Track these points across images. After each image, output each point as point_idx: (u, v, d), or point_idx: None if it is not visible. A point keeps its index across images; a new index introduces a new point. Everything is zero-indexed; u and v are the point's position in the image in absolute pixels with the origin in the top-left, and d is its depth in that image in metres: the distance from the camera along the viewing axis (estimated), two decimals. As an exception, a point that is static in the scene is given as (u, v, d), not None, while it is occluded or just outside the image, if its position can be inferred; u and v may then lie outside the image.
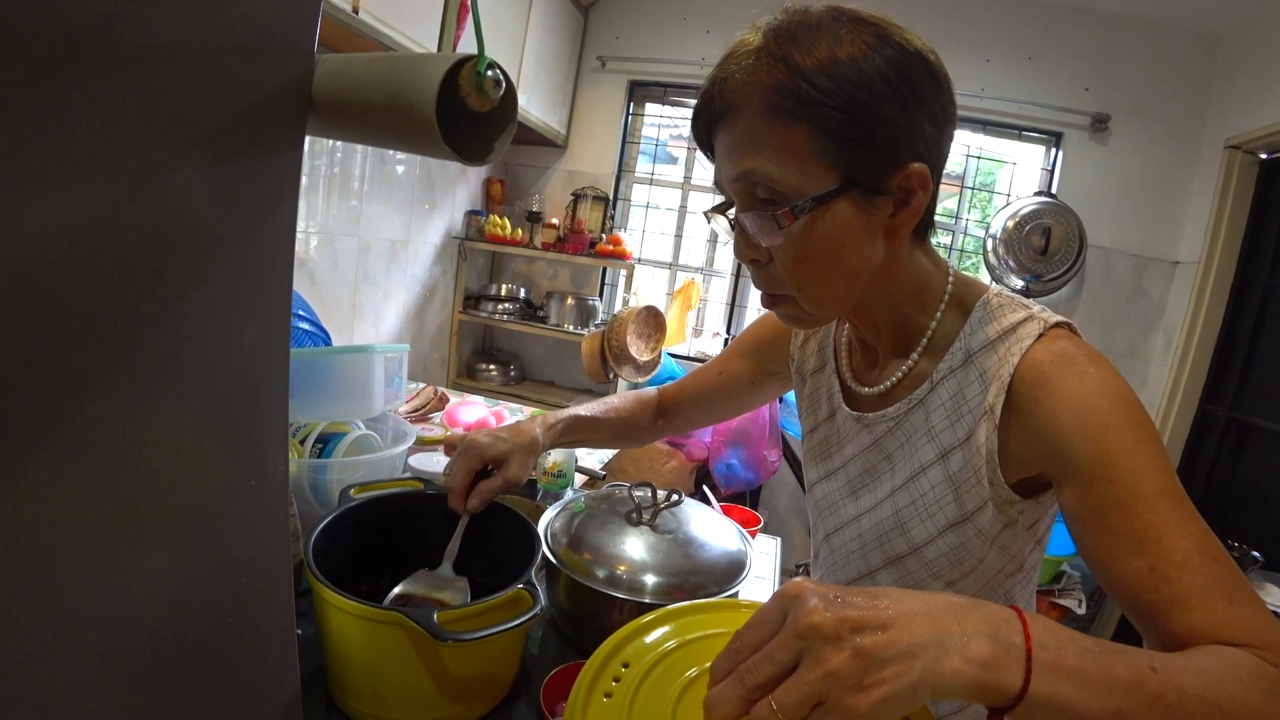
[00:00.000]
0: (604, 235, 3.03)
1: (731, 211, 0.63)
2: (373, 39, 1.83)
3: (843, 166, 0.56)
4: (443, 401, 1.96)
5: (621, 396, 1.02)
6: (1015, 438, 0.60)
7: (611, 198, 3.22)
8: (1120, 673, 0.41)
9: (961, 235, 3.21)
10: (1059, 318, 0.63)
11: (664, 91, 3.19)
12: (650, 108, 3.29)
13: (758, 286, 0.66)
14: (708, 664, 0.44)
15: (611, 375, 2.74)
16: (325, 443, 0.85)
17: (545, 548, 0.78)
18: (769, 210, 0.57)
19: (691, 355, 3.29)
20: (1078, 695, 0.40)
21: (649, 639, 0.51)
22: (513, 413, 1.93)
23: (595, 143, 3.23)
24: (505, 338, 3.48)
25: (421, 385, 2.10)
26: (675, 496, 0.87)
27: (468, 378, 3.22)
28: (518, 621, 0.59)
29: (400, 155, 2.56)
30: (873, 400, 0.73)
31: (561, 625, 0.85)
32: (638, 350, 2.69)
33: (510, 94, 0.46)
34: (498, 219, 2.99)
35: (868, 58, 0.54)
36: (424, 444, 1.21)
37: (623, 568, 0.77)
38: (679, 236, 3.34)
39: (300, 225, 2.13)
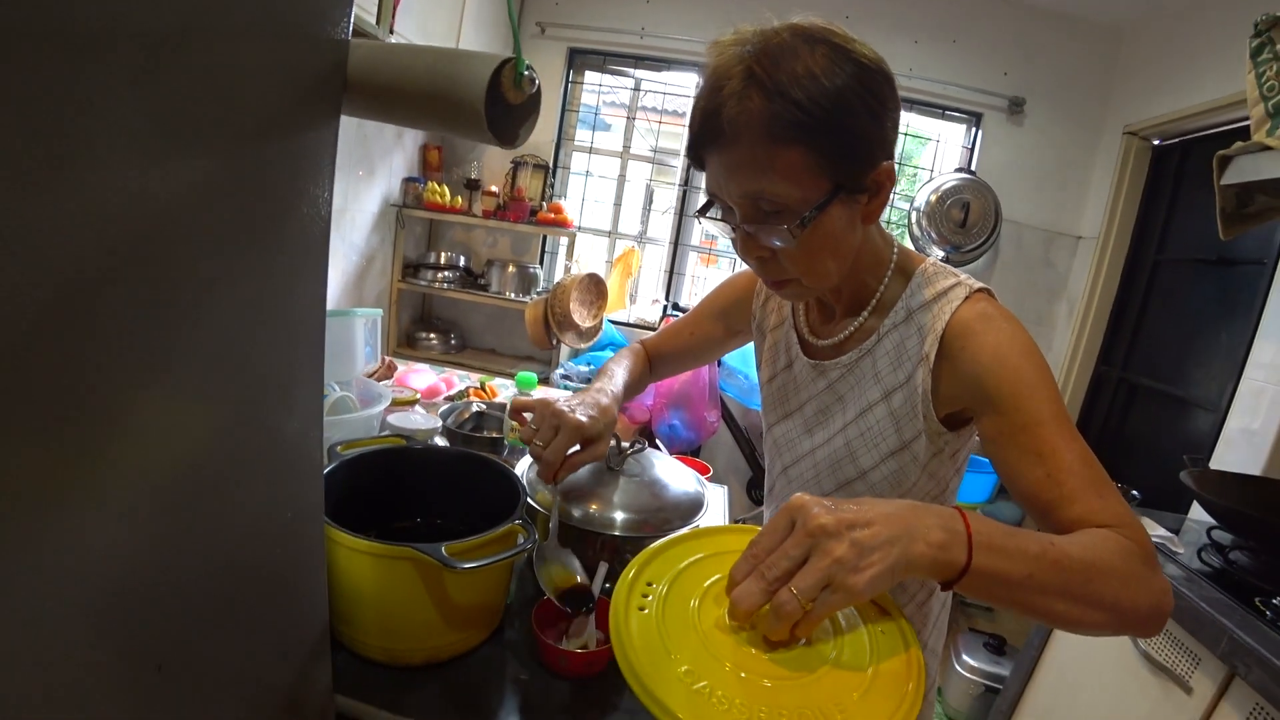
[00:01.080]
0: (544, 203, 3.05)
1: (714, 210, 0.74)
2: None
3: (832, 175, 0.66)
4: (391, 369, 1.98)
5: (629, 354, 1.11)
6: (945, 379, 0.74)
7: (551, 166, 3.23)
8: (1030, 546, 0.56)
9: (889, 207, 3.37)
10: (980, 284, 0.77)
11: (603, 60, 3.21)
12: (590, 76, 3.31)
13: (763, 276, 0.77)
14: (718, 575, 0.57)
15: (555, 342, 2.79)
16: None
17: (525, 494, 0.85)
18: (775, 221, 0.68)
19: (631, 322, 3.37)
20: (1003, 564, 0.55)
21: (665, 560, 0.61)
22: (461, 379, 1.96)
23: (536, 110, 3.22)
24: (445, 306, 3.47)
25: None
26: (639, 445, 0.95)
27: (408, 346, 3.21)
28: (517, 549, 0.66)
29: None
30: (828, 350, 0.86)
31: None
32: (581, 317, 2.75)
33: (538, 89, 0.53)
34: (436, 186, 2.97)
35: (846, 83, 0.63)
36: (398, 404, 1.25)
37: (595, 506, 0.85)
38: (617, 205, 3.39)
39: None
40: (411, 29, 2.28)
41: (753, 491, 3.18)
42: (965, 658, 2.28)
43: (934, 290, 0.77)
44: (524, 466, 0.93)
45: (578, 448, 0.84)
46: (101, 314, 0.34)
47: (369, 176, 2.81)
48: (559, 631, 0.77)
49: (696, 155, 0.71)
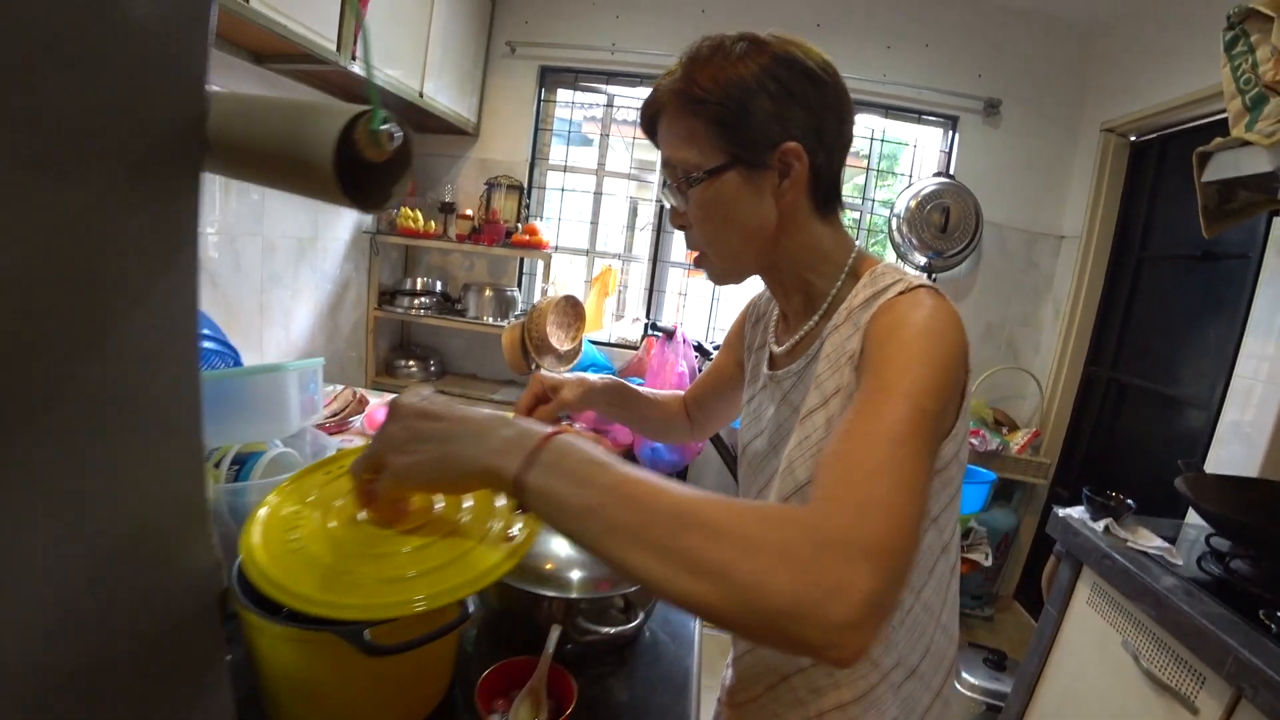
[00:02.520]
0: (520, 225, 3.01)
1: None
2: (265, 28, 1.75)
3: (727, 146, 0.71)
4: (362, 404, 1.92)
5: (666, 392, 1.13)
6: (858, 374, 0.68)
7: (526, 186, 3.19)
8: (608, 477, 0.49)
9: (869, 215, 3.34)
10: (926, 282, 0.71)
11: (575, 77, 3.17)
12: (562, 94, 3.27)
13: (688, 247, 0.81)
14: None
15: (534, 366, 2.74)
16: (242, 464, 0.84)
17: None
18: (679, 184, 0.74)
19: (613, 342, 3.32)
20: (564, 488, 0.49)
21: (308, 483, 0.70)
22: (435, 410, 1.90)
23: (507, 130, 3.19)
24: (424, 332, 3.42)
25: (339, 388, 2.04)
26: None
27: (387, 375, 3.15)
28: (446, 631, 0.60)
29: (303, 148, 2.47)
30: (782, 359, 0.84)
31: (495, 623, 0.86)
32: (558, 340, 2.69)
33: (406, 142, 0.47)
34: (409, 211, 2.93)
35: (749, 68, 0.69)
36: (347, 455, 1.19)
37: (549, 565, 0.79)
38: (594, 224, 3.35)
39: (206, 230, 2.02)
40: (374, 52, 2.24)
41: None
42: (965, 675, 2.21)
43: (875, 289, 0.73)
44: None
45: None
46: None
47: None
48: (509, 701, 0.71)
49: (654, 134, 0.78)
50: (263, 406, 0.83)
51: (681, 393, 1.17)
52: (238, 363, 1.10)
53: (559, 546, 0.81)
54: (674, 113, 0.73)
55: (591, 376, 1.00)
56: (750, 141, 0.71)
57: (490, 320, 2.98)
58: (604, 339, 3.31)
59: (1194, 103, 2.31)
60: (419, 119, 2.90)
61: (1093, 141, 2.86)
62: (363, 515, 0.62)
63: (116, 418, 0.40)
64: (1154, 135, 2.67)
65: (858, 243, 0.80)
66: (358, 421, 1.86)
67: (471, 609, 0.63)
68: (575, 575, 0.78)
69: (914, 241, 2.98)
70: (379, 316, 3.04)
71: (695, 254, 0.81)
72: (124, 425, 0.40)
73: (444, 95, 2.78)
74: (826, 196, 0.76)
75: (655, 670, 0.85)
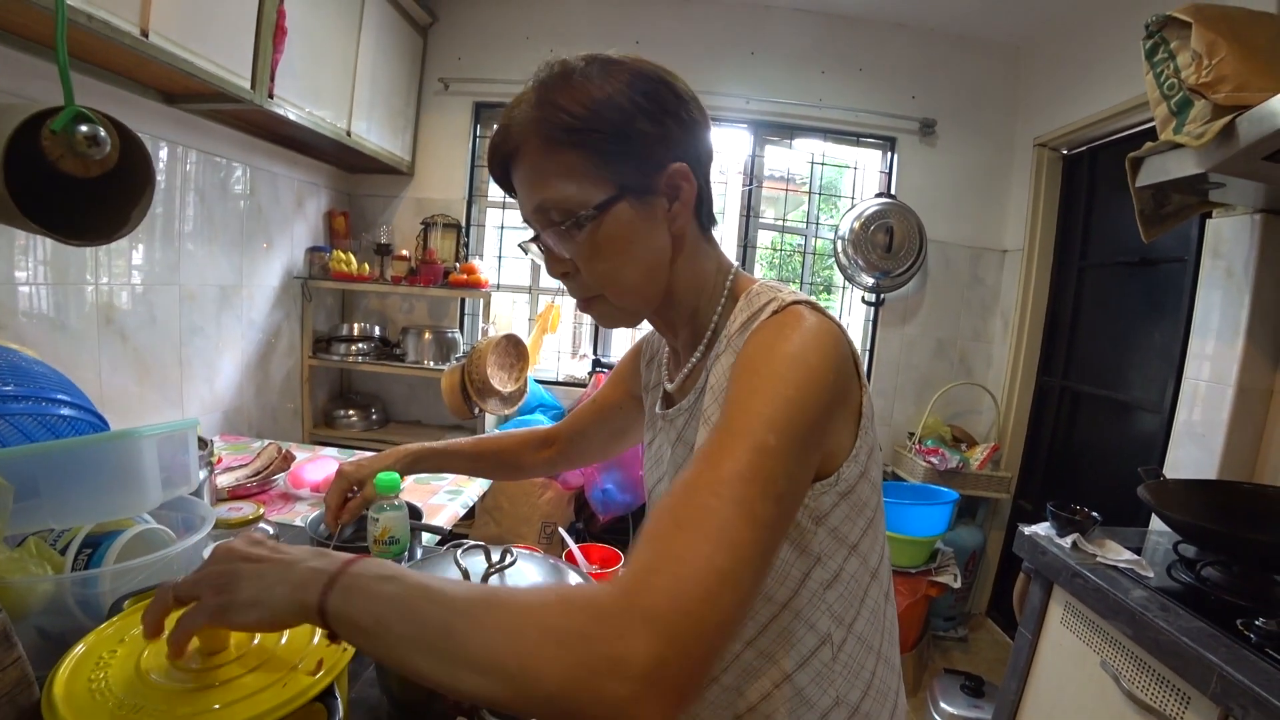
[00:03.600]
0: (458, 264, 2.91)
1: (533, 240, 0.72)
2: (169, 65, 1.65)
3: (614, 177, 0.65)
4: (288, 460, 1.78)
5: (508, 432, 1.13)
6: None
7: (464, 224, 3.10)
8: (395, 589, 0.47)
9: (814, 239, 3.33)
10: (802, 297, 0.66)
11: (510, 113, 3.11)
12: (498, 130, 3.20)
13: (573, 295, 0.74)
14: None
15: (476, 410, 2.62)
16: (97, 546, 0.71)
17: None
18: (562, 227, 0.66)
19: (560, 380, 3.22)
20: (356, 607, 0.47)
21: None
22: (368, 462, 1.77)
23: (443, 168, 3.10)
24: (364, 380, 3.27)
25: (265, 444, 1.90)
26: (510, 558, 0.79)
27: (326, 426, 2.99)
28: None
29: (225, 190, 2.35)
30: (674, 396, 0.80)
31: (399, 716, 0.75)
32: (500, 381, 2.58)
33: (136, 149, 0.37)
34: (342, 255, 2.80)
35: (616, 87, 0.64)
36: (229, 527, 1.05)
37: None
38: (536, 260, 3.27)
39: (104, 279, 1.88)
40: (295, 90, 2.14)
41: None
42: (943, 704, 2.13)
43: (750, 311, 0.68)
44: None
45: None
46: None
47: (270, 249, 2.62)
48: None
49: (506, 181, 0.71)
50: (114, 480, 0.70)
51: (541, 427, 1.16)
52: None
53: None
54: (540, 148, 0.65)
55: (386, 455, 1.03)
56: (636, 168, 0.66)
57: (431, 364, 2.86)
58: (551, 378, 3.21)
59: (1121, 113, 2.35)
60: (350, 160, 2.81)
61: (1027, 156, 2.90)
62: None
63: None
64: (1084, 147, 2.71)
65: (736, 263, 0.77)
66: (281, 480, 1.72)
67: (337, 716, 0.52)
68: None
69: (860, 263, 2.97)
70: (314, 365, 2.88)
71: (584, 299, 0.73)
72: None
73: (375, 134, 2.69)
74: (708, 215, 0.74)
75: None
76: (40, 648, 0.64)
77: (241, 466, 1.73)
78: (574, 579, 0.84)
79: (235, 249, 2.43)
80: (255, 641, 0.59)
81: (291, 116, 2.14)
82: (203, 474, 1.11)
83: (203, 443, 1.17)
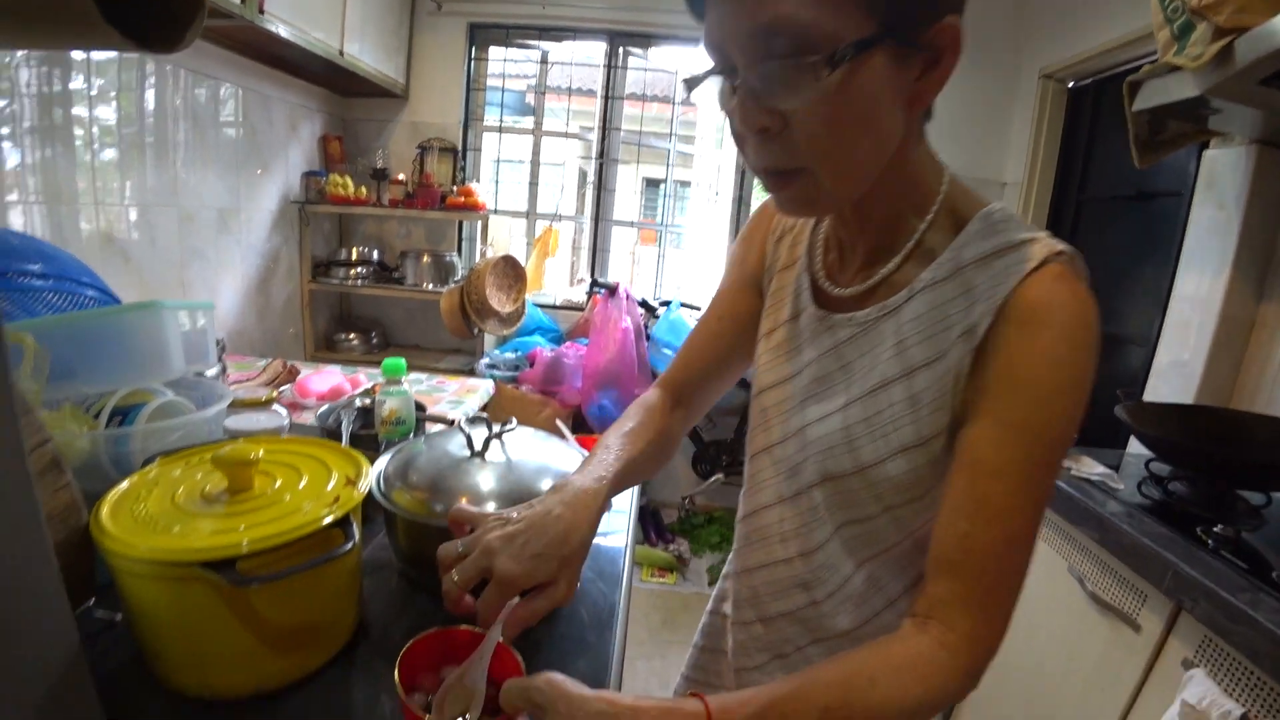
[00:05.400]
0: (455, 188, 2.91)
1: (712, 77, 0.56)
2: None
3: (879, 11, 0.49)
4: (293, 374, 1.83)
5: (638, 410, 0.82)
6: (982, 367, 0.56)
7: (460, 148, 3.08)
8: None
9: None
10: (1064, 246, 0.55)
11: (506, 34, 3.06)
12: (494, 51, 3.15)
13: (762, 164, 0.56)
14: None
15: (475, 330, 2.66)
16: (126, 415, 0.76)
17: (376, 492, 0.74)
18: (793, 63, 0.49)
19: (558, 304, 3.25)
20: None
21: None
22: (370, 378, 1.82)
23: (438, 91, 3.06)
24: (363, 304, 3.30)
25: (270, 360, 1.95)
26: (511, 424, 0.84)
27: (327, 350, 3.04)
28: (322, 559, 0.55)
29: (217, 112, 2.33)
30: (842, 302, 0.68)
31: (410, 572, 0.80)
32: (499, 302, 2.62)
33: None
34: (339, 178, 2.79)
35: None
36: (242, 405, 1.11)
37: (464, 499, 0.74)
38: (534, 184, 3.26)
39: (99, 198, 1.89)
40: (286, 7, 2.10)
41: (698, 465, 3.11)
42: None
43: (999, 242, 0.57)
44: (383, 460, 0.81)
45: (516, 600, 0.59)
46: None
47: (265, 174, 2.61)
48: (439, 679, 0.58)
49: None
50: (140, 349, 0.75)
51: (648, 392, 0.86)
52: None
53: (469, 480, 0.76)
54: None
55: (585, 518, 0.63)
56: (909, 10, 0.50)
57: (430, 287, 2.89)
58: (549, 302, 3.24)
59: (1130, 43, 2.32)
60: (344, 83, 2.77)
61: (1031, 88, 2.87)
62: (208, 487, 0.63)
63: None
64: (1090, 79, 2.68)
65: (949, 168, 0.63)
66: (288, 391, 1.78)
67: (351, 543, 0.58)
68: (490, 507, 0.72)
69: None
70: (314, 289, 2.91)
71: (778, 171, 0.56)
72: None
73: (368, 55, 2.65)
74: (931, 104, 0.58)
75: (582, 607, 0.80)
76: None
77: (249, 380, 1.78)
78: (563, 448, 0.88)
79: (230, 172, 2.43)
80: (277, 485, 0.64)
81: (283, 34, 2.11)
82: (215, 368, 1.15)
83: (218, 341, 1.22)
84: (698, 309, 2.95)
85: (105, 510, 0.57)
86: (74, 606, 0.49)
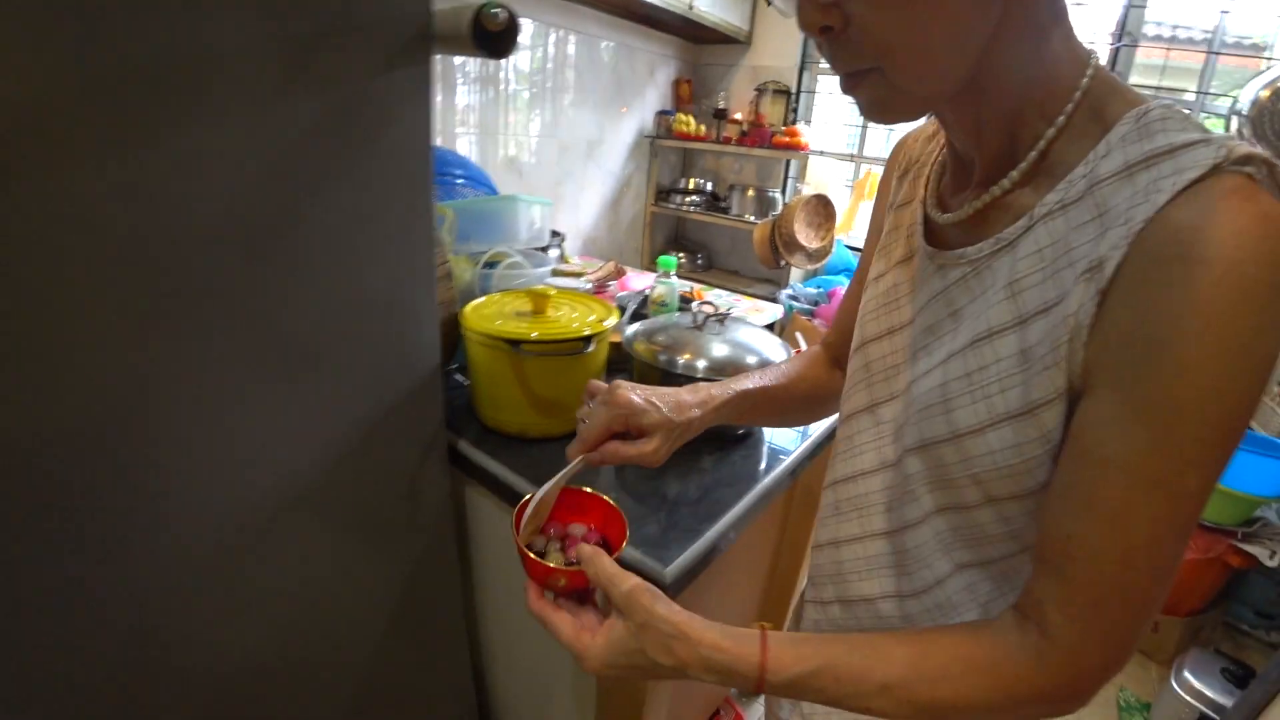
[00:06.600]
0: (783, 128, 3.15)
1: None
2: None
3: None
4: (620, 273, 2.32)
5: (797, 358, 0.86)
6: (1108, 319, 0.42)
7: (794, 90, 3.30)
8: (814, 686, 0.50)
9: (1198, 112, 2.82)
10: (1251, 148, 0.39)
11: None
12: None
13: (836, 68, 0.49)
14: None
15: (782, 263, 2.92)
16: (492, 265, 1.24)
17: (625, 342, 1.10)
18: None
19: (865, 244, 3.34)
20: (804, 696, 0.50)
21: None
22: (683, 285, 2.23)
23: (777, 37, 3.30)
24: (694, 228, 3.78)
25: (606, 262, 2.49)
26: (730, 310, 1.13)
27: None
28: (566, 352, 0.95)
29: (594, 63, 2.91)
30: (952, 236, 0.57)
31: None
32: (806, 238, 2.83)
33: (512, 19, 0.75)
34: (684, 117, 3.25)
35: None
36: (562, 273, 1.61)
37: (686, 355, 1.05)
38: (864, 128, 3.35)
39: (512, 131, 2.59)
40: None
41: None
42: (1188, 676, 1.92)
43: (1149, 149, 0.43)
44: (636, 326, 1.16)
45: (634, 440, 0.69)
46: (257, 228, 0.67)
47: (628, 112, 3.17)
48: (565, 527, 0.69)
49: None
50: (504, 225, 1.24)
51: (808, 351, 0.87)
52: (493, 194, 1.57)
53: (692, 344, 1.06)
54: None
55: (695, 409, 0.71)
56: None
57: (750, 218, 3.22)
58: (860, 244, 3.36)
59: None
60: (695, 32, 3.15)
61: None
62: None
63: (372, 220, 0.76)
64: None
65: (1098, 58, 0.48)
66: (612, 286, 2.27)
67: (588, 349, 0.97)
68: (700, 364, 1.03)
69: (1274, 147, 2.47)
70: (655, 211, 3.46)
71: (851, 72, 0.48)
72: (380, 221, 0.77)
73: (716, 7, 2.98)
74: None
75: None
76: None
77: (584, 274, 2.33)
78: (771, 341, 1.12)
79: (599, 110, 3.02)
80: (560, 312, 1.04)
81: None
82: (554, 252, 1.66)
83: (556, 233, 1.73)
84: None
85: (468, 309, 1.01)
86: (443, 364, 0.94)
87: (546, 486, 0.65)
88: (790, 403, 0.82)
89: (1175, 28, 2.76)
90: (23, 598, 0.60)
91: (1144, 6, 2.63)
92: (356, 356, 0.81)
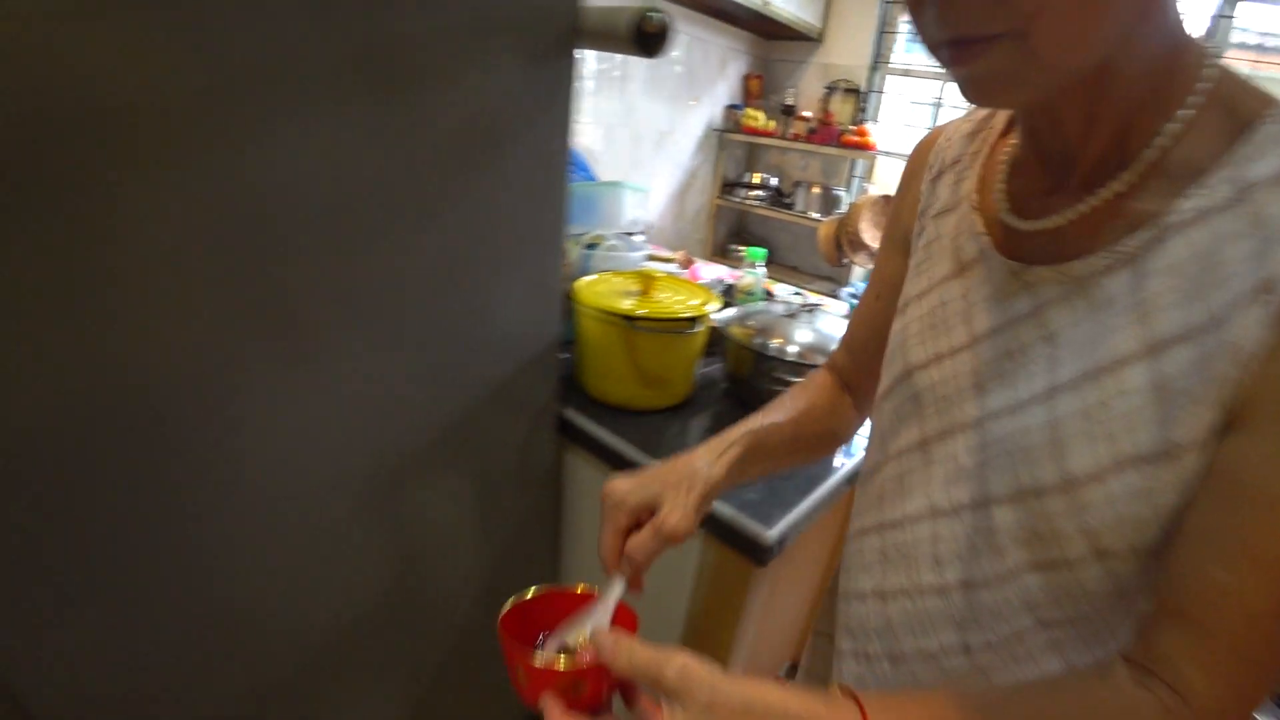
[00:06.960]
0: (852, 127, 3.17)
1: None
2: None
3: None
4: (689, 263, 2.38)
5: (795, 392, 0.75)
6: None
7: (864, 90, 3.30)
8: None
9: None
10: None
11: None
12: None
13: (949, 29, 0.39)
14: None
15: (844, 261, 2.95)
16: (593, 247, 1.31)
17: (721, 326, 1.17)
18: None
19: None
20: None
21: None
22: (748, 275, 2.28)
23: (850, 35, 3.31)
24: (757, 223, 3.82)
25: (675, 252, 2.55)
26: (817, 302, 1.18)
27: (720, 257, 3.63)
28: (673, 330, 1.02)
29: (670, 57, 2.97)
30: (1035, 244, 0.50)
31: (730, 386, 1.23)
32: (871, 238, 2.85)
33: (665, 22, 0.81)
34: (753, 112, 3.29)
35: None
36: (653, 258, 1.69)
37: (777, 340, 1.11)
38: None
39: (587, 119, 2.68)
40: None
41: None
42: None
43: None
44: (730, 311, 1.22)
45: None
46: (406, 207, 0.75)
47: (697, 104, 3.23)
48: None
49: None
50: (605, 210, 1.32)
51: (812, 378, 0.78)
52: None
53: (783, 329, 1.13)
54: None
55: (698, 461, 0.62)
56: None
57: (815, 215, 3.26)
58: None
59: None
60: (767, 27, 3.19)
61: None
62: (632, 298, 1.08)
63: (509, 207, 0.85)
64: None
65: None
66: (684, 275, 2.34)
67: (693, 331, 1.05)
68: (790, 349, 1.10)
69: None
70: (720, 204, 3.52)
71: (976, 39, 0.38)
72: (516, 211, 0.86)
73: (791, 3, 3.01)
74: None
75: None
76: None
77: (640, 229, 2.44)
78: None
79: (670, 103, 3.08)
80: (665, 295, 1.11)
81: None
82: (641, 236, 1.74)
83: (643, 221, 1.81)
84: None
85: (580, 285, 1.09)
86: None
87: (595, 614, 0.55)
88: (800, 441, 0.71)
89: (1263, 35, 2.73)
90: (161, 554, 0.69)
91: (1232, 16, 2.59)
92: (489, 333, 0.91)
